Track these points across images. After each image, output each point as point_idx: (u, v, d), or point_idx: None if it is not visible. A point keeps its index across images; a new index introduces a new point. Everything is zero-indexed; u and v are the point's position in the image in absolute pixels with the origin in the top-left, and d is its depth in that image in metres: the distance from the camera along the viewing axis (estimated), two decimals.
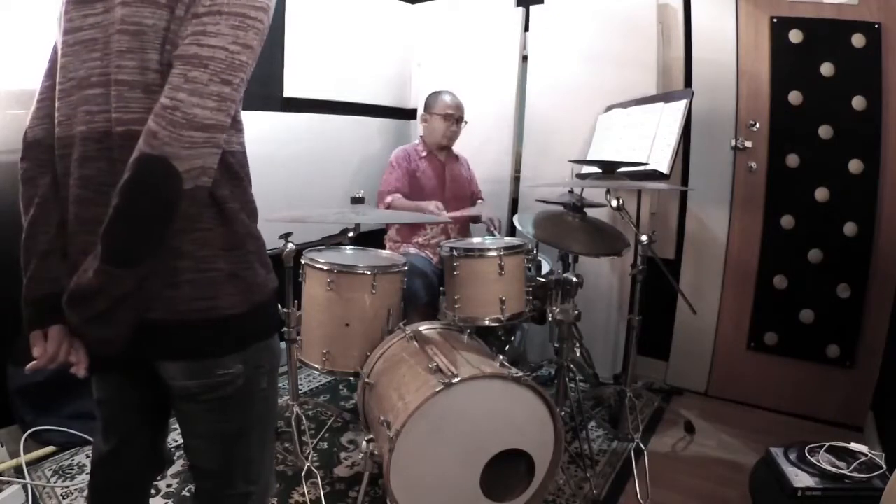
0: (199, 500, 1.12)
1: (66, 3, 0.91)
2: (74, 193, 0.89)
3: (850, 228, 2.42)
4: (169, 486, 1.89)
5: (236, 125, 0.94)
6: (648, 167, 2.26)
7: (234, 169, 0.92)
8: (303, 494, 1.86)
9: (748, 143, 2.56)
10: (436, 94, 2.73)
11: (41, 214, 0.93)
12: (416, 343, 1.81)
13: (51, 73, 0.95)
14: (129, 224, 0.80)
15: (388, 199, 2.60)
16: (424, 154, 2.73)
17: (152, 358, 0.95)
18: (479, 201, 2.90)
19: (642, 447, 2.12)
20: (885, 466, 1.58)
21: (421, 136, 2.78)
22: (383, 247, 2.69)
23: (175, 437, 2.14)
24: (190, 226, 0.85)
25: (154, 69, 0.84)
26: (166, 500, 1.82)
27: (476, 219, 2.82)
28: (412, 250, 2.65)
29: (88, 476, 1.17)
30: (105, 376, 1.07)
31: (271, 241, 1.96)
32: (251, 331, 0.98)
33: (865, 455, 1.62)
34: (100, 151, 0.86)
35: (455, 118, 2.68)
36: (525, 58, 3.00)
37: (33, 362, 0.91)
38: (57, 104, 0.92)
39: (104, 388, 1.09)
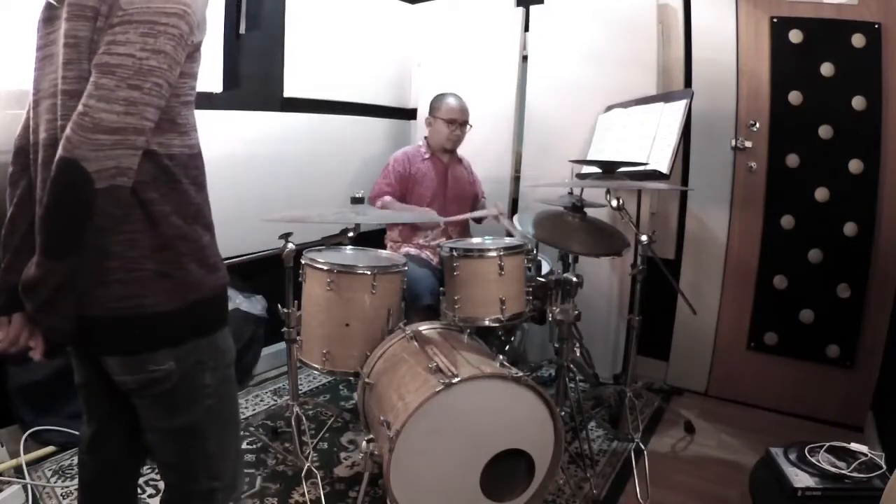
0: (167, 495, 1.18)
1: (38, 24, 1.00)
2: (38, 195, 0.97)
3: (850, 228, 2.42)
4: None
5: (178, 128, 0.98)
6: (648, 167, 2.26)
7: (170, 171, 0.97)
8: (303, 494, 1.86)
9: (748, 143, 2.56)
10: (440, 96, 2.71)
11: (17, 213, 1.02)
12: (416, 343, 1.81)
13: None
14: (52, 220, 0.87)
15: (378, 203, 2.60)
16: (427, 156, 2.72)
17: (94, 353, 1.03)
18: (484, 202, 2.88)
19: (642, 447, 2.12)
20: (885, 466, 1.58)
21: (425, 138, 2.77)
22: (383, 247, 2.68)
23: None
24: (117, 227, 0.91)
25: (87, 78, 0.89)
26: None
27: (479, 219, 2.81)
28: (412, 250, 2.65)
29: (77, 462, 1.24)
30: (81, 361, 1.15)
31: (271, 241, 1.99)
32: (185, 328, 1.02)
33: (865, 455, 1.62)
34: (53, 157, 0.91)
35: (459, 123, 2.66)
36: (525, 58, 3.00)
37: None
38: (31, 114, 1.01)
39: (81, 371, 1.16)
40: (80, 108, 0.85)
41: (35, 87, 1.00)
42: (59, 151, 0.84)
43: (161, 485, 1.86)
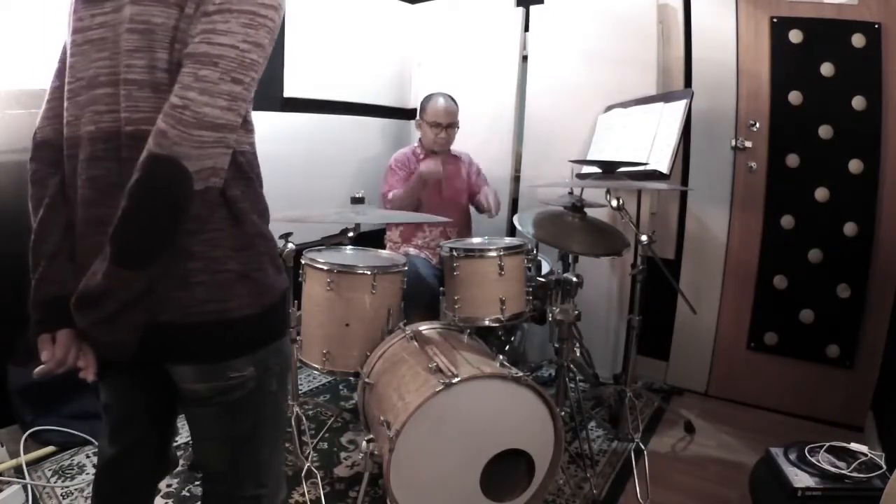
0: (209, 502, 1.11)
1: (76, 3, 0.90)
2: (82, 194, 0.88)
3: (850, 228, 2.42)
4: (169, 485, 1.89)
5: (246, 125, 0.93)
6: (648, 167, 2.26)
7: (244, 168, 0.92)
8: (303, 494, 1.86)
9: (748, 143, 2.56)
10: (428, 97, 2.70)
11: (50, 216, 0.92)
12: (416, 343, 1.81)
13: (60, 73, 0.94)
14: (138, 226, 0.80)
15: (389, 195, 2.62)
16: (422, 157, 2.72)
17: (163, 361, 0.95)
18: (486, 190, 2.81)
19: (642, 447, 2.12)
20: (885, 466, 1.58)
21: (419, 138, 2.78)
22: (383, 247, 2.69)
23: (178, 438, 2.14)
24: (201, 227, 0.85)
25: (163, 68, 0.83)
26: (166, 501, 1.82)
27: (479, 207, 2.78)
28: (412, 251, 2.66)
29: (93, 478, 1.16)
30: (112, 380, 1.05)
31: None
32: (262, 333, 0.97)
33: (865, 455, 1.62)
34: (107, 152, 0.86)
35: (443, 126, 2.64)
36: (525, 58, 3.00)
37: (41, 367, 0.89)
38: (66, 104, 0.91)
39: (111, 391, 1.08)
40: (175, 100, 0.78)
41: (72, 73, 0.90)
42: (152, 149, 0.77)
43: (161, 485, 1.87)
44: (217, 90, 0.79)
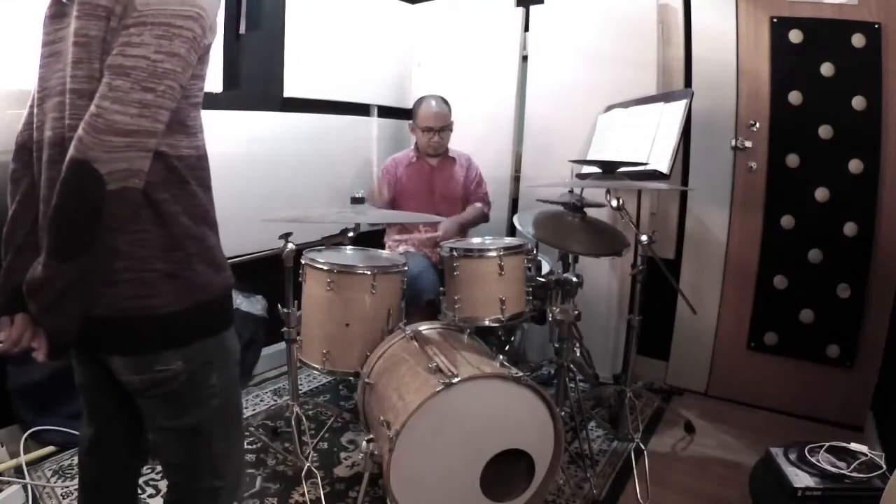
0: (171, 494, 1.18)
1: (44, 19, 0.99)
2: (43, 193, 0.96)
3: (850, 228, 2.42)
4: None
5: (186, 129, 0.98)
6: (648, 167, 2.26)
7: (179, 173, 0.97)
8: (303, 494, 1.86)
9: (748, 143, 2.56)
10: (419, 102, 2.70)
11: (20, 211, 1.02)
12: (416, 343, 1.81)
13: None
14: (61, 222, 0.86)
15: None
16: (414, 160, 2.72)
17: (99, 352, 1.02)
18: (476, 205, 2.79)
19: (642, 447, 2.11)
20: (885, 466, 1.58)
21: (415, 141, 2.77)
22: (383, 247, 2.69)
23: None
24: (127, 227, 0.91)
25: (97, 78, 0.89)
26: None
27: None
28: (411, 249, 2.66)
29: (77, 463, 1.24)
30: (82, 361, 1.14)
31: (271, 242, 1.99)
32: (193, 328, 1.02)
33: (865, 455, 1.62)
34: (60, 155, 0.92)
35: (435, 130, 2.64)
36: (525, 58, 3.00)
37: None
38: (35, 111, 1.00)
39: (82, 372, 1.15)
40: (92, 109, 0.84)
41: (41, 83, 0.99)
42: (71, 152, 0.84)
43: (161, 485, 1.87)
44: (128, 99, 0.84)
